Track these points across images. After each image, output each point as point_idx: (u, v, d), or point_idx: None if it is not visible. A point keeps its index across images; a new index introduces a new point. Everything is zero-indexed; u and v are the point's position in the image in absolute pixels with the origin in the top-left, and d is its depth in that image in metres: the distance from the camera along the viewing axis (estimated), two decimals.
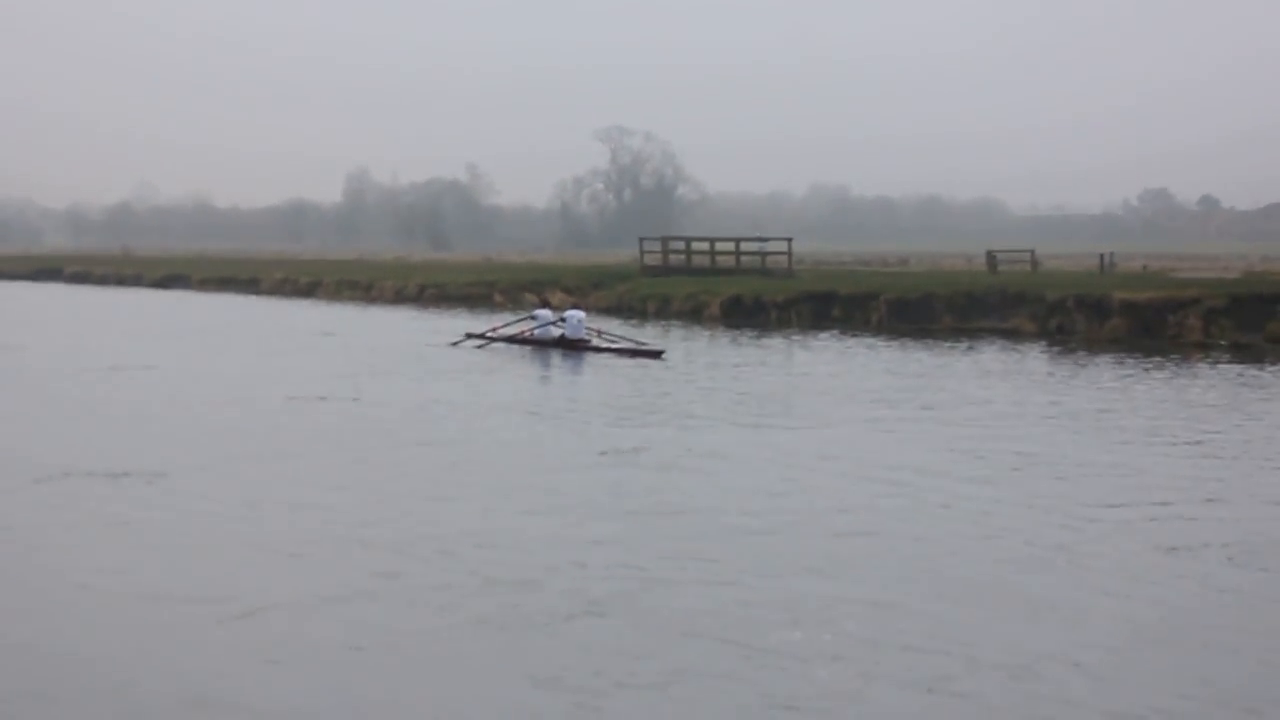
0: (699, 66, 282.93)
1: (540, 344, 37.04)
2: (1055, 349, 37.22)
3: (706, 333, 43.70)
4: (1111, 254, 68.25)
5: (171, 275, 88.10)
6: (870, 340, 40.15)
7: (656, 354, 34.94)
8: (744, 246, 63.60)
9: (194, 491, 16.16)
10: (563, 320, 37.02)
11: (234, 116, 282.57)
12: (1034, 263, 67.34)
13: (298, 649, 10.45)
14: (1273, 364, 32.43)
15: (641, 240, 68.34)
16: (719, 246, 64.23)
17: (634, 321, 49.25)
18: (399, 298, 66.23)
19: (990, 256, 69.26)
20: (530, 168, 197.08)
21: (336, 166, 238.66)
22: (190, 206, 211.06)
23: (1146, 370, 31.19)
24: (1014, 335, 41.79)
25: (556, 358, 35.05)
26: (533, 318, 38.11)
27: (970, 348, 37.39)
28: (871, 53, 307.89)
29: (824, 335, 41.83)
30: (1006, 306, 44.51)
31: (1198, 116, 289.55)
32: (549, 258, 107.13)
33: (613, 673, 9.83)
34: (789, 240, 61.84)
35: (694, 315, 51.07)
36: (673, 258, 64.84)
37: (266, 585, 12.08)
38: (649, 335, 41.43)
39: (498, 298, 62.21)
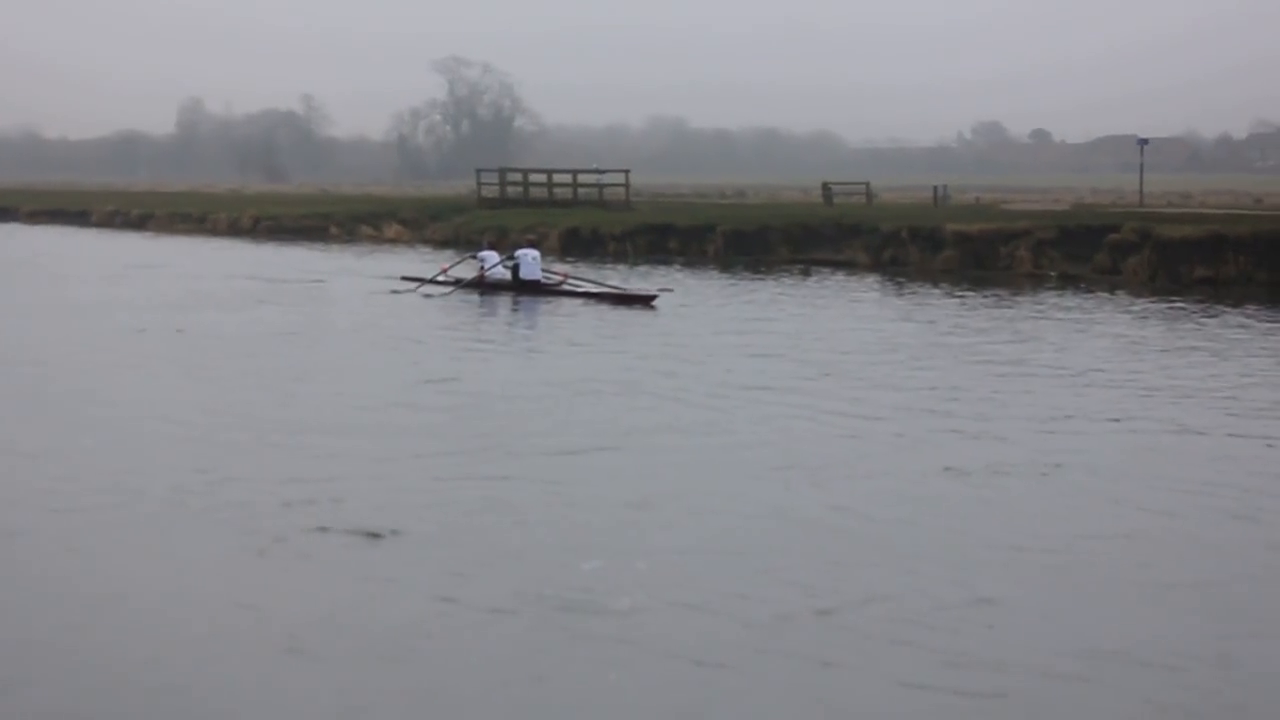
0: (536, 3, 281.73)
1: (491, 287, 33.68)
2: (889, 280, 37.68)
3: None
4: (945, 186, 69.05)
5: None
6: (710, 272, 40.36)
7: (648, 299, 30.88)
8: (581, 179, 63.47)
9: None
10: (511, 260, 33.52)
11: (61, 44, 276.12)
12: (869, 195, 67.94)
13: None
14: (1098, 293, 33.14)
15: (479, 172, 67.79)
16: (556, 179, 64.00)
17: (470, 254, 48.94)
18: (233, 230, 65.26)
19: (826, 189, 69.69)
20: (367, 99, 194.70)
21: (169, 97, 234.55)
22: (17, 137, 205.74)
23: (964, 299, 31.70)
24: (849, 266, 42.19)
25: (510, 305, 31.67)
26: (476, 259, 35.05)
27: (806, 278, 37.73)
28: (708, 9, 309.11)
29: (663, 268, 41.91)
30: (842, 238, 44.89)
31: (1030, 47, 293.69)
32: (386, 190, 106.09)
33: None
34: (626, 172, 61.77)
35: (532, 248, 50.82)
36: (510, 190, 64.46)
37: None
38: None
39: (334, 230, 61.59)
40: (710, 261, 44.53)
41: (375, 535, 11.40)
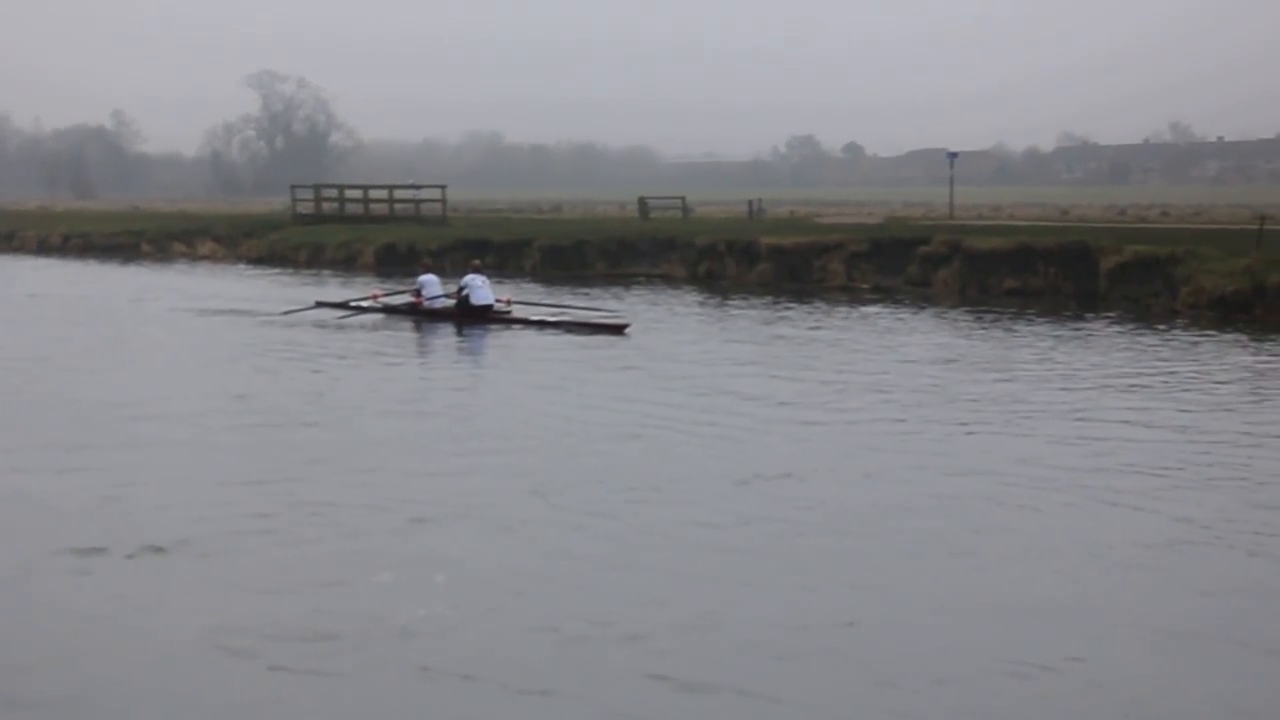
0: (352, 17, 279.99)
1: (432, 315, 30.63)
2: (705, 293, 37.98)
3: (360, 281, 43.28)
4: (760, 200, 69.83)
5: None
6: (526, 284, 40.37)
7: (619, 329, 28.28)
8: (398, 194, 63.20)
9: None
10: (458, 289, 30.34)
11: None
12: (685, 209, 68.31)
13: None
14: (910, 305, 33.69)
15: (294, 188, 67.10)
16: (372, 194, 63.60)
17: (288, 271, 48.51)
18: (42, 248, 64.02)
19: (642, 203, 69.90)
20: (180, 114, 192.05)
21: None
22: None
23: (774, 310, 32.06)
24: (666, 280, 42.47)
25: (458, 332, 28.77)
26: (414, 283, 31.96)
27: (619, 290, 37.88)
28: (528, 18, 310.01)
29: None
30: (658, 252, 45.16)
31: (842, 61, 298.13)
32: (199, 206, 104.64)
33: None
34: (443, 188, 61.60)
35: (348, 264, 50.49)
36: (326, 205, 63.86)
37: None
38: (305, 284, 40.85)
39: (145, 247, 60.66)
40: (527, 276, 44.54)
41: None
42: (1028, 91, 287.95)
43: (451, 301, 30.45)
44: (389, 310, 31.35)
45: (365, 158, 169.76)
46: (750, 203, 67.74)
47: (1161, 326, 28.70)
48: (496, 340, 27.36)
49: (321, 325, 29.58)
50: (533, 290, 38.67)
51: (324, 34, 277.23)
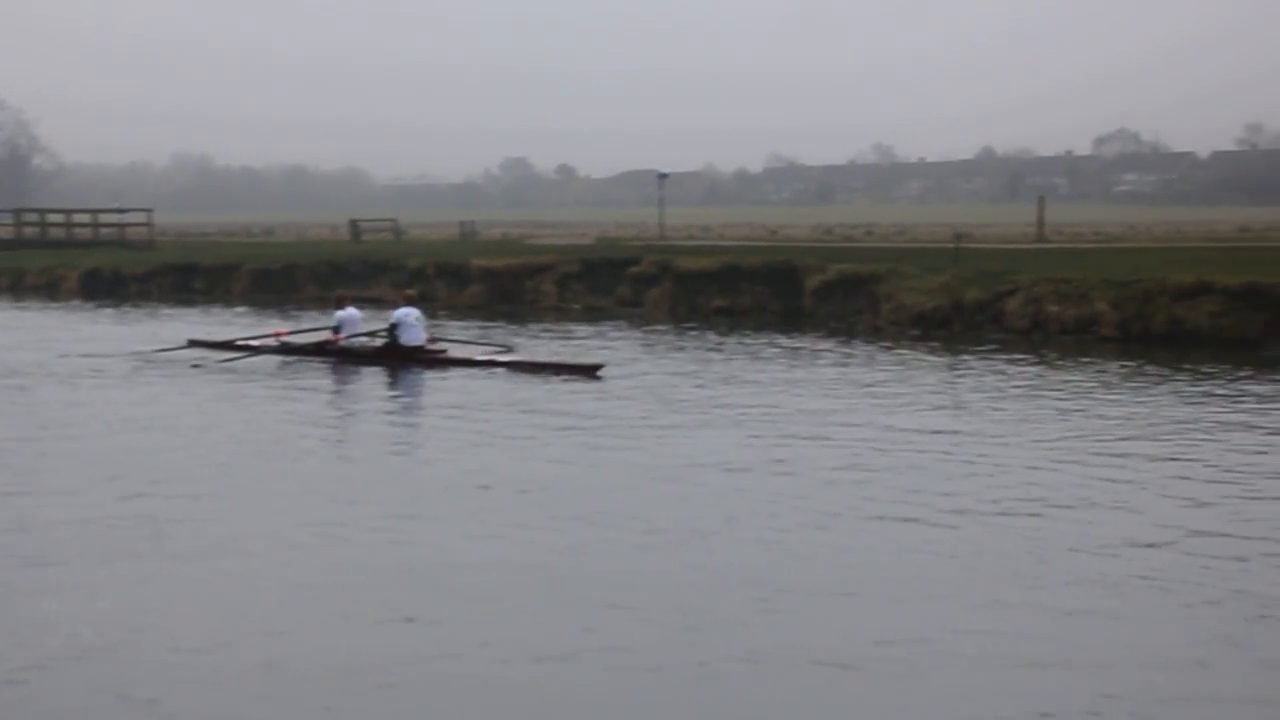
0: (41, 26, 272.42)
1: (351, 356, 26.08)
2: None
3: (61, 306, 42.04)
4: (473, 222, 69.96)
5: None
6: (237, 309, 39.66)
7: (592, 370, 23.88)
8: (102, 218, 61.81)
9: None
10: (386, 328, 25.99)
11: None
12: (397, 231, 68.12)
13: None
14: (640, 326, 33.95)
15: None
16: (76, 218, 62.24)
17: None
18: None
19: (354, 225, 69.47)
20: None
21: None
22: None
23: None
24: (376, 304, 42.11)
25: (388, 375, 24.32)
26: (335, 321, 26.89)
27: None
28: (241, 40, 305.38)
29: (186, 309, 40.92)
30: (369, 275, 44.76)
31: (552, 85, 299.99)
32: None
33: None
34: (149, 211, 60.52)
35: (50, 290, 48.94)
36: (27, 230, 62.16)
37: None
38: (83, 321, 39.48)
39: None
40: (236, 300, 43.79)
41: None
42: (735, 116, 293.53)
43: (373, 341, 26.22)
44: (290, 351, 26.49)
45: (69, 181, 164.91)
46: (462, 224, 67.74)
47: (861, 343, 29.36)
48: (440, 384, 23.10)
49: (201, 368, 24.88)
50: (241, 316, 37.99)
51: (24, 51, 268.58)
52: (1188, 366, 24.48)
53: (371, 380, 23.80)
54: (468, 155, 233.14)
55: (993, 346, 28.38)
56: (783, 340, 29.90)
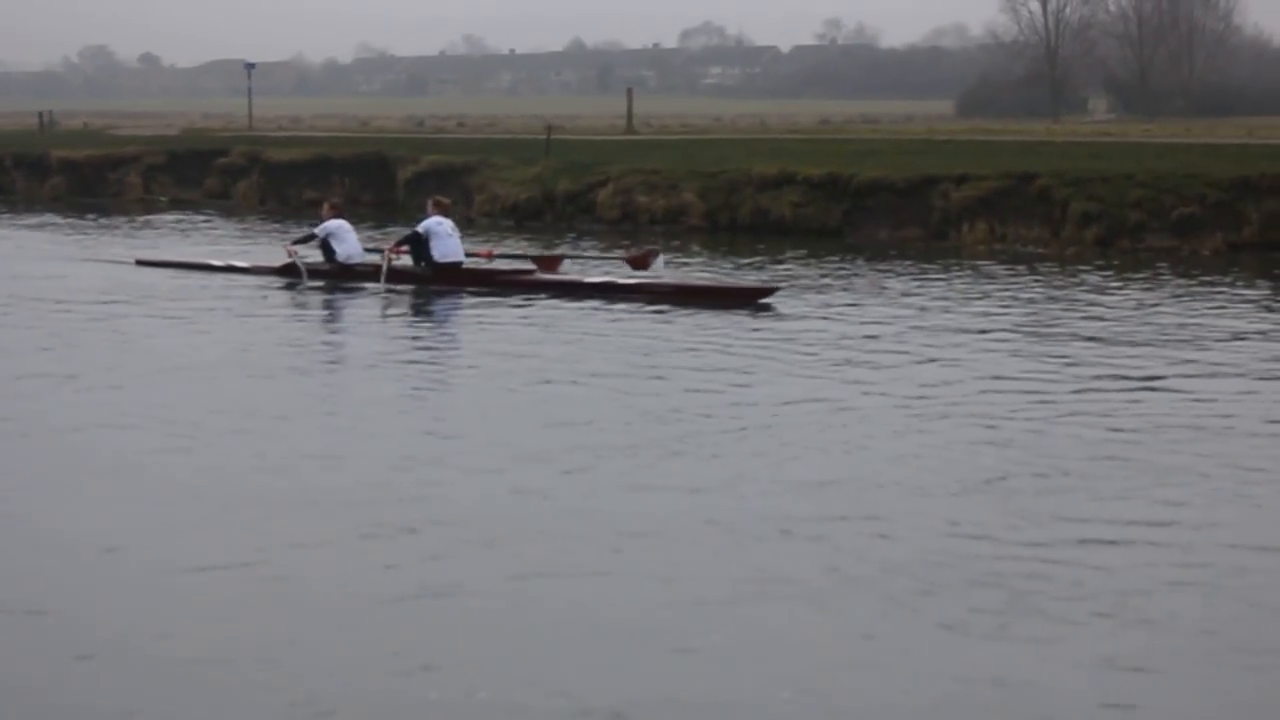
0: None
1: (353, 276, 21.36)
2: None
3: None
4: (52, 112, 67.06)
5: None
6: None
7: (758, 294, 19.35)
8: None
9: None
10: (421, 235, 20.99)
11: None
12: None
13: None
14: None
15: None
16: None
17: None
18: None
19: None
20: None
21: None
22: None
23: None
24: None
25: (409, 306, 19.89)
26: (310, 229, 22.82)
27: None
28: None
29: None
30: None
31: None
32: None
33: None
34: None
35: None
36: None
37: None
38: None
39: None
40: None
41: None
42: (326, 4, 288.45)
43: (383, 261, 21.08)
44: (287, 272, 21.63)
45: None
46: (41, 114, 65.02)
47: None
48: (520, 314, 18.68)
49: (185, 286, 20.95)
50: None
51: None
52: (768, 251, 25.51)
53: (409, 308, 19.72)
54: (44, 43, 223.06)
55: (585, 237, 28.97)
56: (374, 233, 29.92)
